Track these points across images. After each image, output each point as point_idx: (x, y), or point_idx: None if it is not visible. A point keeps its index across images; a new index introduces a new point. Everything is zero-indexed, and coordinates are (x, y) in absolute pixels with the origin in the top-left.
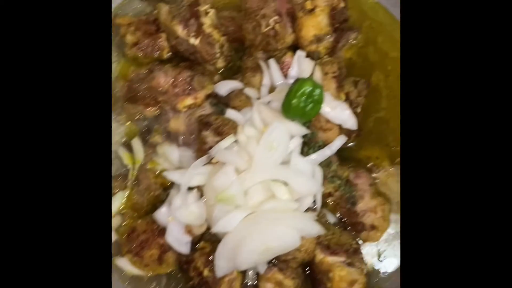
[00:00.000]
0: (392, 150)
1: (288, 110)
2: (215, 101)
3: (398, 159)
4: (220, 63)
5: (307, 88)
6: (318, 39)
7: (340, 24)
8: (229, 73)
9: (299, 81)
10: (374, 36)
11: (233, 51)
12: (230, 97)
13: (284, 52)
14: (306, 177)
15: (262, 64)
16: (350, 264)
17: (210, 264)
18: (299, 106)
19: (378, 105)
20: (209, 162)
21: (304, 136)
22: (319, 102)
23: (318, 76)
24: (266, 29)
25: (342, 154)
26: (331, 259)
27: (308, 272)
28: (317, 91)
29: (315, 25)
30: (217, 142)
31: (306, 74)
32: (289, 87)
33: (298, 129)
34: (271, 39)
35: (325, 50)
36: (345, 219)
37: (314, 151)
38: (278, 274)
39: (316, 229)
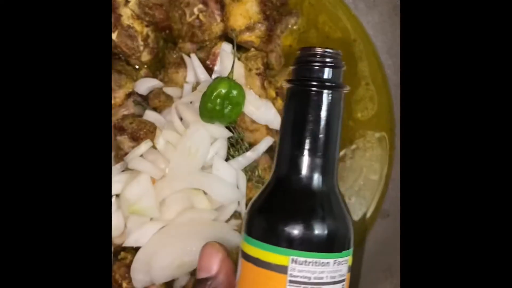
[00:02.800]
0: None
1: (204, 113)
2: (139, 99)
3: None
4: (145, 57)
5: (222, 90)
6: (249, 28)
7: (277, 9)
8: (159, 66)
9: (214, 82)
10: (315, 16)
11: (162, 42)
12: (149, 96)
13: (215, 43)
14: (228, 184)
15: (186, 58)
16: None
17: (129, 276)
18: (215, 109)
19: None
20: (127, 169)
21: (231, 138)
22: (238, 103)
23: (240, 72)
24: (191, 18)
25: None
26: None
27: None
28: (234, 92)
29: (243, 13)
30: (133, 147)
31: (228, 71)
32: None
33: (220, 132)
34: (196, 30)
35: (259, 40)
36: None
37: (240, 154)
38: None
39: (236, 240)
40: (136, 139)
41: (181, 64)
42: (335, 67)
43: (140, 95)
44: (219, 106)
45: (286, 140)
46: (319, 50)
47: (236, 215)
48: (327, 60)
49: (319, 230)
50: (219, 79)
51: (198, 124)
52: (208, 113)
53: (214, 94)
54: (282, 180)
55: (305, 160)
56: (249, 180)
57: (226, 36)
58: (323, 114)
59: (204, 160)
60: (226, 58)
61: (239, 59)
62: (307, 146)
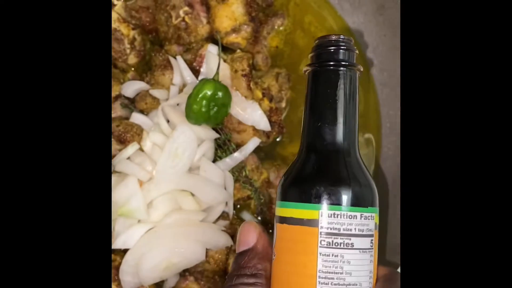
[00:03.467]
0: None
1: (190, 115)
2: (126, 102)
3: None
4: (132, 59)
5: (208, 92)
6: (234, 30)
7: (263, 10)
8: (145, 68)
9: (199, 83)
10: (301, 16)
11: (148, 44)
12: (136, 99)
13: (201, 45)
14: (215, 185)
15: (172, 60)
16: None
17: (118, 278)
18: (201, 111)
19: None
20: (114, 172)
21: (218, 139)
22: (224, 105)
23: (226, 74)
24: (177, 21)
25: (269, 152)
26: None
27: None
28: (220, 94)
29: (229, 15)
30: (120, 150)
31: (214, 72)
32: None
33: (207, 133)
34: (182, 32)
35: (245, 41)
36: (268, 221)
37: (227, 155)
38: (193, 285)
39: (223, 240)
40: (123, 142)
41: (168, 66)
42: (348, 50)
43: (127, 98)
44: (205, 108)
45: (312, 115)
46: (334, 37)
47: (224, 215)
48: (341, 44)
49: (344, 185)
50: (204, 81)
51: (184, 126)
52: (194, 115)
53: (200, 96)
54: (310, 149)
55: (329, 130)
56: (236, 180)
57: (212, 38)
58: (342, 89)
59: (191, 162)
60: (212, 60)
61: (225, 60)
62: (330, 117)
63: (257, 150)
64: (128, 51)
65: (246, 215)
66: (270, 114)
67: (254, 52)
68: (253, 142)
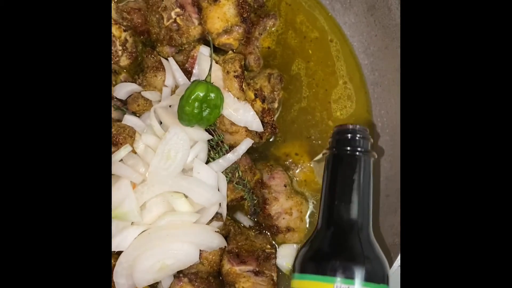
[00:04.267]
0: (314, 143)
1: (182, 117)
2: (118, 103)
3: (319, 155)
4: (124, 61)
5: (200, 93)
6: (226, 31)
7: (255, 11)
8: (137, 70)
9: (191, 85)
10: (293, 16)
11: (140, 46)
12: (128, 101)
13: (193, 46)
14: (208, 187)
15: (165, 62)
16: (258, 273)
17: (112, 280)
18: (193, 112)
19: (300, 95)
20: None
21: (211, 140)
22: (216, 106)
23: (218, 75)
24: (168, 22)
25: (262, 152)
26: (238, 268)
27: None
28: (212, 95)
29: (221, 16)
30: (113, 152)
31: (206, 73)
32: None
33: (200, 135)
34: (174, 33)
35: (237, 42)
36: (262, 222)
37: (220, 156)
38: (187, 286)
39: (217, 242)
40: (116, 144)
41: (160, 67)
42: (363, 138)
43: (119, 100)
44: (197, 109)
45: (330, 194)
46: (351, 126)
47: (217, 217)
48: (358, 132)
49: (358, 261)
50: (196, 82)
51: (177, 128)
52: (186, 116)
53: (192, 97)
54: (327, 225)
55: (346, 208)
56: (229, 181)
57: (204, 39)
58: (357, 173)
59: (184, 163)
60: (204, 61)
61: (217, 62)
62: (347, 197)
63: (250, 151)
64: (120, 52)
65: (239, 216)
66: (262, 114)
67: (246, 53)
68: (246, 143)
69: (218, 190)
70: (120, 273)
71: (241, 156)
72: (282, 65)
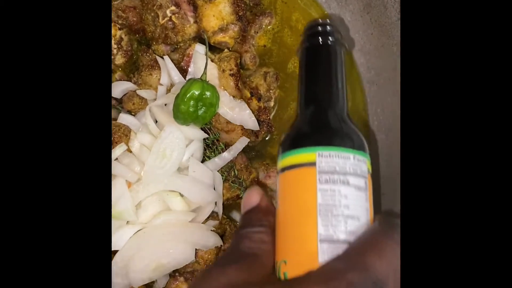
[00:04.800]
0: None
1: (178, 115)
2: (114, 102)
3: None
4: (119, 60)
5: (195, 91)
6: (222, 29)
7: (251, 9)
8: (133, 68)
9: (187, 83)
10: (289, 14)
11: (135, 44)
12: (123, 99)
13: (189, 44)
14: (204, 186)
15: (160, 60)
16: None
17: None
18: (189, 111)
19: (296, 93)
20: None
21: (206, 139)
22: (212, 105)
23: (214, 74)
24: (164, 20)
25: (258, 151)
26: None
27: None
28: (208, 94)
29: (216, 14)
30: None
31: (202, 72)
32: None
33: (195, 133)
34: (169, 32)
35: (233, 41)
36: None
37: (216, 155)
38: (183, 285)
39: (212, 241)
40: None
41: (155, 66)
42: (333, 31)
43: (115, 98)
44: (193, 108)
45: (306, 83)
46: (320, 20)
47: (213, 216)
48: (327, 25)
49: (337, 130)
50: (191, 81)
51: (172, 126)
52: (182, 115)
53: (187, 96)
54: (305, 108)
55: (322, 90)
56: (225, 180)
57: (199, 38)
58: (331, 59)
59: (180, 162)
60: (199, 59)
61: (212, 60)
62: (322, 82)
63: (246, 149)
64: (115, 51)
65: (236, 215)
66: (258, 113)
67: (242, 51)
68: (242, 142)
69: (214, 189)
70: (115, 273)
71: (237, 154)
72: (278, 64)
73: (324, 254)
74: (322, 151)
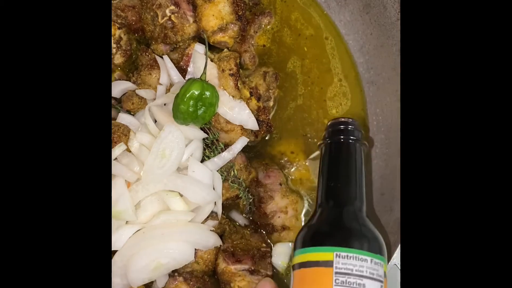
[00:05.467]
0: (309, 141)
1: (177, 115)
2: (113, 102)
3: (315, 153)
4: (118, 59)
5: (195, 91)
6: (221, 29)
7: (250, 9)
8: (132, 68)
9: (186, 83)
10: (288, 13)
11: (135, 43)
12: (123, 99)
13: (188, 44)
14: (203, 186)
15: (159, 60)
16: (254, 272)
17: None
18: (189, 110)
19: (295, 93)
20: None
21: (206, 139)
22: (211, 104)
23: (214, 73)
24: (163, 20)
25: (257, 150)
26: (234, 267)
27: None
28: (207, 93)
29: (216, 14)
30: None
31: (201, 72)
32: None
33: (195, 133)
34: (169, 31)
35: (232, 40)
36: (257, 220)
37: (216, 155)
38: (182, 285)
39: (212, 241)
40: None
41: (154, 65)
42: (355, 129)
43: (114, 98)
44: (193, 108)
45: (327, 180)
46: (343, 119)
47: (212, 215)
48: (350, 124)
49: (356, 232)
50: (191, 81)
51: (172, 126)
52: (181, 115)
53: (187, 96)
54: (325, 205)
55: (342, 189)
56: (225, 180)
57: (199, 37)
58: (352, 158)
59: (179, 162)
60: (199, 59)
61: (212, 60)
62: (343, 179)
63: (245, 149)
64: (114, 50)
65: (235, 215)
66: (258, 113)
67: (241, 51)
68: (241, 142)
69: (213, 188)
70: (115, 272)
71: (237, 154)
72: (278, 63)
73: None
74: (340, 252)
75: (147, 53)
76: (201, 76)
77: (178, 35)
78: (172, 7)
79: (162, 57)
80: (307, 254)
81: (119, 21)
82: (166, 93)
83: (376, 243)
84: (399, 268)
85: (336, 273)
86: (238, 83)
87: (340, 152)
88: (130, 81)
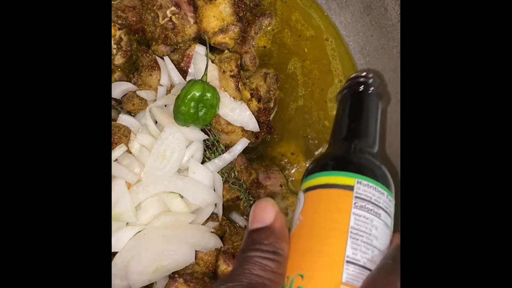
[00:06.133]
0: (310, 143)
1: (178, 116)
2: (113, 103)
3: (316, 154)
4: (119, 60)
5: (196, 93)
6: (222, 30)
7: (251, 10)
8: (132, 69)
9: (187, 85)
10: (288, 14)
11: (135, 44)
12: (123, 100)
13: (189, 45)
14: (204, 187)
15: (160, 61)
16: None
17: None
18: (189, 112)
19: (296, 94)
20: None
21: (207, 140)
22: (212, 106)
23: (214, 75)
24: (164, 21)
25: (258, 152)
26: None
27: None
28: (208, 95)
29: (217, 15)
30: None
31: (202, 73)
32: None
33: (196, 135)
34: (169, 32)
35: (233, 42)
36: None
37: (216, 156)
38: (183, 286)
39: (212, 242)
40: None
41: (155, 66)
42: (373, 82)
43: (114, 99)
44: (193, 109)
45: (345, 122)
46: (363, 73)
47: (213, 217)
48: (369, 78)
49: (378, 166)
50: (192, 82)
51: (173, 127)
52: (182, 116)
53: (188, 97)
54: (345, 141)
55: (365, 129)
56: (225, 181)
57: (200, 38)
58: (369, 105)
59: (180, 163)
60: (200, 60)
61: (212, 61)
62: (361, 125)
63: (246, 151)
64: (114, 51)
65: (235, 216)
66: (258, 114)
67: (242, 52)
68: (242, 143)
69: (214, 190)
70: (115, 274)
71: (237, 156)
72: (278, 64)
73: (348, 275)
74: (361, 180)
75: (147, 54)
76: (202, 77)
77: (178, 36)
78: (173, 8)
79: (162, 58)
80: (326, 177)
81: (119, 21)
82: (166, 94)
83: (390, 183)
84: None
85: (356, 197)
86: (239, 85)
87: (358, 99)
88: (130, 82)
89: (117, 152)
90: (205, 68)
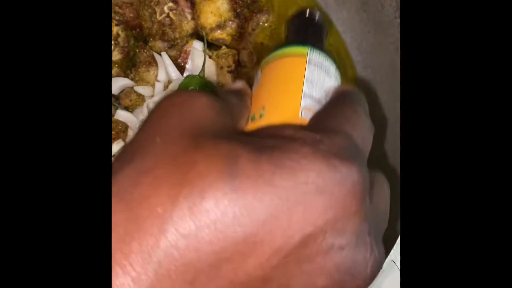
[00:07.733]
0: None
1: None
2: (112, 99)
3: None
4: (116, 56)
5: (193, 88)
6: (219, 26)
7: (248, 6)
8: (129, 65)
9: (185, 80)
10: (285, 9)
11: (132, 40)
12: (120, 96)
13: (186, 41)
14: None
15: (157, 57)
16: None
17: None
18: None
19: None
20: None
21: None
22: None
23: (212, 70)
24: (161, 17)
25: None
26: None
27: None
28: (206, 90)
29: (214, 11)
30: None
31: (199, 69)
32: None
33: None
34: (167, 28)
35: (230, 38)
36: None
37: None
38: None
39: None
40: None
41: (152, 62)
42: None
43: (112, 95)
44: None
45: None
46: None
47: None
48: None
49: (324, 44)
50: (189, 77)
51: None
52: None
53: None
54: (295, 25)
55: (312, 28)
56: None
57: (197, 34)
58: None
59: None
60: (197, 56)
61: (210, 57)
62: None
63: None
64: (112, 47)
65: None
66: None
67: (239, 48)
68: None
69: None
70: None
71: None
72: None
73: (306, 104)
74: (314, 50)
75: (145, 50)
76: (199, 73)
77: (176, 32)
78: (171, 4)
79: (160, 54)
80: (280, 51)
81: (117, 17)
82: (164, 90)
83: (337, 65)
84: (398, 266)
85: (309, 60)
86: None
87: (310, 18)
88: (128, 78)
89: (114, 148)
90: (202, 63)
